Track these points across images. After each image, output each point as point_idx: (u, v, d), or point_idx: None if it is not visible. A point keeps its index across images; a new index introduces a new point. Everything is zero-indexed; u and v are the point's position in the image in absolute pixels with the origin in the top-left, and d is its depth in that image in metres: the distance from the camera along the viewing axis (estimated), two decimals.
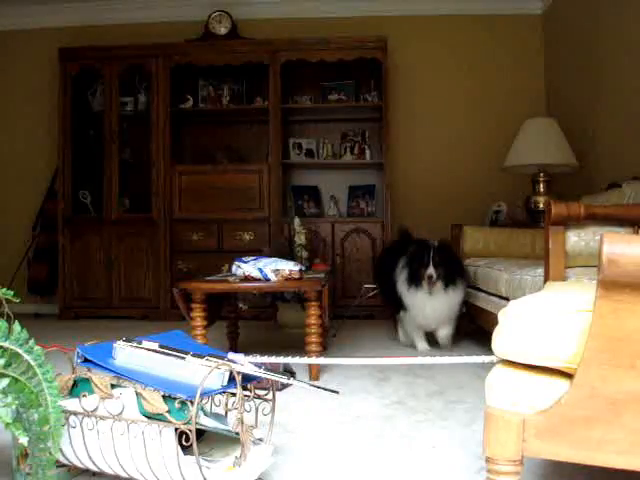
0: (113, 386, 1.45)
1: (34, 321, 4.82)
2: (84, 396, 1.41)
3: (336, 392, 1.62)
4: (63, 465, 1.53)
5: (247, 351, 1.66)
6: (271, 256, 3.04)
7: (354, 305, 4.67)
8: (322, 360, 2.82)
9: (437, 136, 5.41)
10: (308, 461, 1.73)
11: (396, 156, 5.26)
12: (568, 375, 1.15)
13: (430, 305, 3.29)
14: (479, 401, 2.31)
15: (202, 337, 2.71)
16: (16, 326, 1.29)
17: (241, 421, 1.41)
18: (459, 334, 3.65)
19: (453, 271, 3.28)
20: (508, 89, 5.33)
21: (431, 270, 3.18)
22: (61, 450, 1.40)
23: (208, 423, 1.49)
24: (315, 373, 2.76)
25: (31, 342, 1.29)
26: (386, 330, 4.15)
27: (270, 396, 1.59)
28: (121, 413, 1.38)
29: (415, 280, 3.26)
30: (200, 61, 5.12)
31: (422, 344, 3.47)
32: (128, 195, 5.28)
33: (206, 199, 5.04)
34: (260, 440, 1.57)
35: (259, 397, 1.59)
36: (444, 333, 3.45)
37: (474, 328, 3.70)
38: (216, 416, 1.59)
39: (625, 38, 3.77)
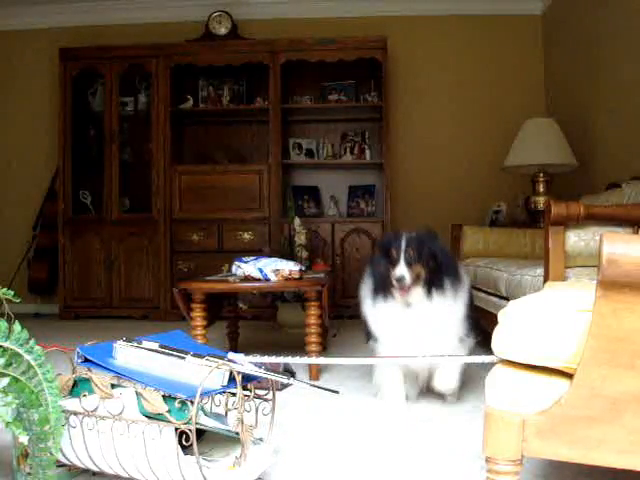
0: (113, 386, 1.45)
1: (34, 321, 4.82)
2: (84, 396, 1.41)
3: (336, 392, 1.62)
4: (63, 465, 1.53)
5: (247, 351, 1.66)
6: (271, 256, 3.04)
7: (354, 305, 4.66)
8: (322, 360, 2.82)
9: (437, 136, 5.41)
10: (308, 461, 1.73)
11: (396, 156, 5.26)
12: (568, 375, 1.15)
13: (408, 322, 2.14)
14: (479, 401, 2.31)
15: (202, 337, 2.71)
16: (16, 326, 1.29)
17: (241, 421, 1.41)
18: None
19: (441, 271, 2.14)
20: (508, 89, 5.33)
21: (402, 270, 2.07)
22: (61, 450, 1.40)
23: (208, 423, 1.49)
24: (315, 373, 2.76)
25: (31, 342, 1.29)
26: None
27: (270, 396, 1.59)
28: (121, 413, 1.38)
29: (382, 288, 2.18)
30: (200, 61, 5.12)
31: (394, 396, 2.26)
32: (128, 195, 5.29)
33: (206, 199, 5.04)
34: (260, 440, 1.57)
35: (259, 397, 1.59)
36: (443, 376, 2.23)
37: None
38: (216, 416, 1.59)
39: (625, 38, 3.77)
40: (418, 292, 2.13)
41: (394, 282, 2.10)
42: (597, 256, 1.02)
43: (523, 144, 4.26)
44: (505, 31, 5.37)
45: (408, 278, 2.08)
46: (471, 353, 2.26)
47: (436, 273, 2.13)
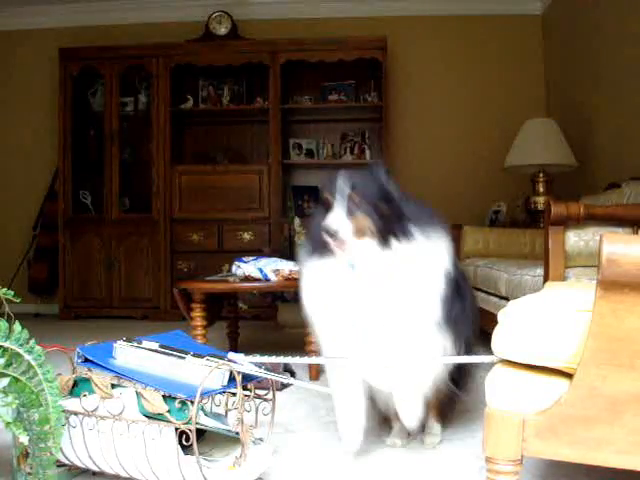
0: (113, 386, 1.45)
1: (34, 321, 4.81)
2: (84, 396, 1.41)
3: None
4: (63, 465, 1.53)
5: (247, 351, 1.66)
6: (271, 256, 3.04)
7: None
8: (322, 360, 2.82)
9: (437, 136, 5.41)
10: (308, 461, 1.73)
11: (396, 156, 5.26)
12: (568, 375, 1.15)
13: (352, 291, 1.50)
14: (479, 401, 2.31)
15: (202, 337, 2.71)
16: (16, 326, 1.29)
17: (241, 421, 1.41)
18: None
19: (400, 214, 1.55)
20: (508, 89, 5.33)
21: (335, 218, 1.47)
22: (61, 450, 1.40)
23: (208, 423, 1.49)
24: (315, 373, 2.76)
25: (31, 342, 1.29)
26: None
27: (270, 396, 1.59)
28: (121, 413, 1.38)
29: (317, 245, 1.55)
30: (200, 61, 5.13)
31: (349, 430, 1.64)
32: (128, 195, 5.29)
33: (206, 199, 5.05)
34: (260, 440, 1.57)
35: (259, 397, 1.59)
36: (402, 404, 1.60)
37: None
38: (216, 416, 1.59)
39: (625, 38, 3.77)
40: (366, 246, 1.47)
41: (327, 237, 1.45)
42: (597, 256, 1.02)
43: (523, 144, 4.26)
44: (505, 31, 5.37)
45: (344, 229, 1.44)
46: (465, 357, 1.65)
47: (393, 218, 1.48)
